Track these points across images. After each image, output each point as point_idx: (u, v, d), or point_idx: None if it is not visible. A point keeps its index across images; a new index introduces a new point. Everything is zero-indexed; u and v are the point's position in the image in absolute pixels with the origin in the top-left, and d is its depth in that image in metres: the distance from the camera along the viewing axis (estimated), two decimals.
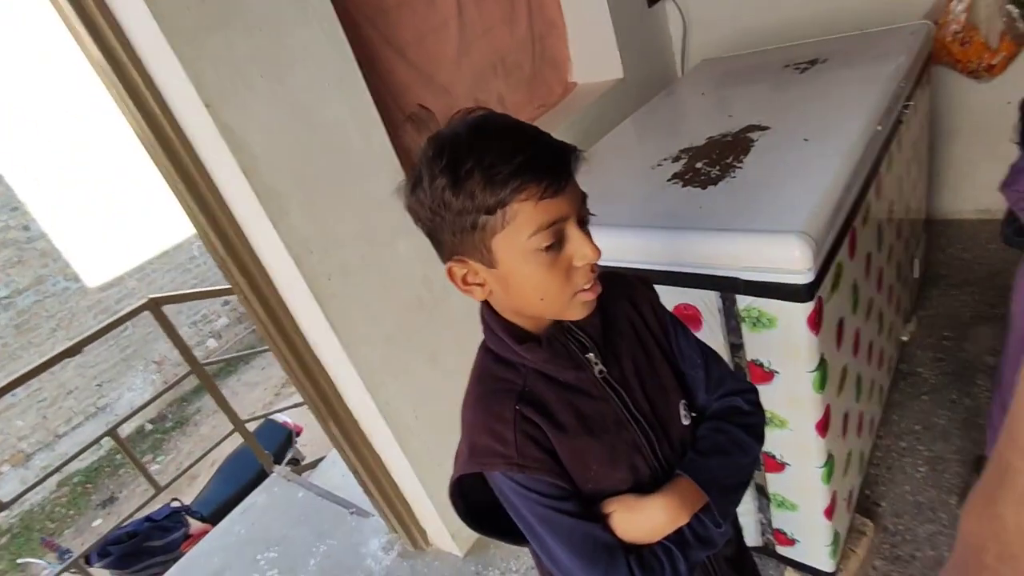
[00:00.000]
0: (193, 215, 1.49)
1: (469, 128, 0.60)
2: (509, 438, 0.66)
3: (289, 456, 3.81)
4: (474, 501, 0.75)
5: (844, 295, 1.26)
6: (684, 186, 1.35)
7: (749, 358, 1.22)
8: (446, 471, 0.73)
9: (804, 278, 1.05)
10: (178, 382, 2.96)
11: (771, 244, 1.06)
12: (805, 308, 1.08)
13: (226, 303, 7.34)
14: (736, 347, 1.23)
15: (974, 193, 2.57)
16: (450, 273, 0.66)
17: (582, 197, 0.64)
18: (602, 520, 0.69)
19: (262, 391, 6.36)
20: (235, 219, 1.51)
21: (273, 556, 2.38)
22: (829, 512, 1.34)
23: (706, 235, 1.15)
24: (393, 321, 1.72)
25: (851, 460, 1.47)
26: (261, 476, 3.01)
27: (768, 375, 1.21)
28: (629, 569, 0.66)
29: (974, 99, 2.39)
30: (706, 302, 1.21)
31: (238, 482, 3.45)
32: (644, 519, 0.69)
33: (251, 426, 3.49)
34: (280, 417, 3.97)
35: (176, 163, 1.39)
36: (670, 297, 1.25)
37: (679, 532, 0.69)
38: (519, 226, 0.59)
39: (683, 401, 0.78)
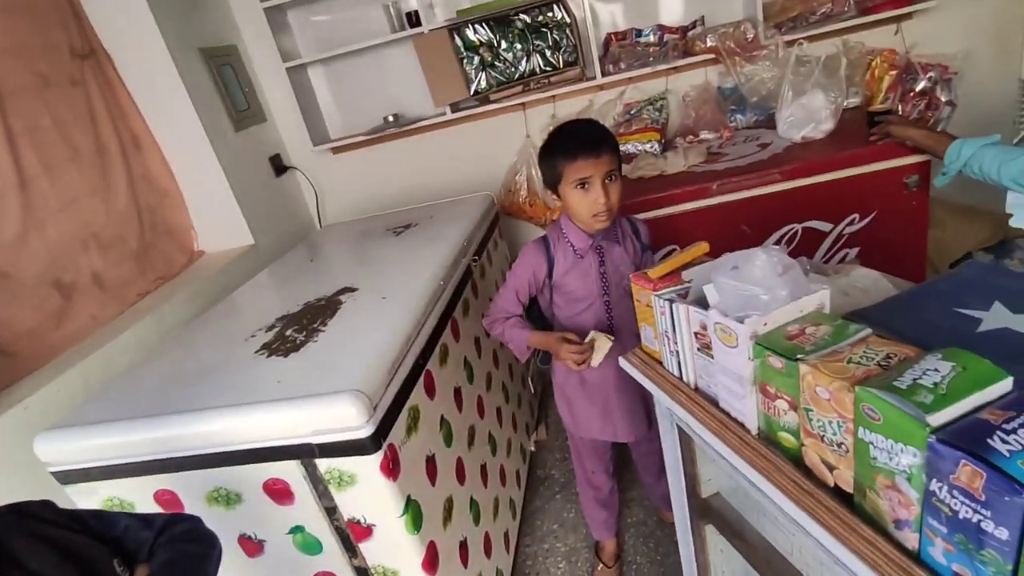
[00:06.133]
0: None
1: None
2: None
3: None
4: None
5: (429, 433, 1.38)
6: (269, 356, 1.36)
7: (347, 518, 1.21)
8: None
9: (366, 431, 1.11)
10: None
11: (329, 405, 1.11)
12: (376, 458, 1.14)
13: None
14: (331, 510, 1.21)
15: None
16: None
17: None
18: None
19: None
20: None
21: None
22: None
23: (276, 407, 1.15)
24: None
25: None
26: None
27: (367, 530, 1.22)
28: None
29: None
30: (291, 473, 1.18)
31: None
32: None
33: None
34: None
35: None
36: (256, 475, 1.20)
37: None
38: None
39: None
